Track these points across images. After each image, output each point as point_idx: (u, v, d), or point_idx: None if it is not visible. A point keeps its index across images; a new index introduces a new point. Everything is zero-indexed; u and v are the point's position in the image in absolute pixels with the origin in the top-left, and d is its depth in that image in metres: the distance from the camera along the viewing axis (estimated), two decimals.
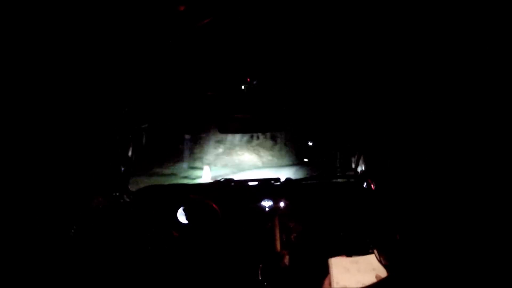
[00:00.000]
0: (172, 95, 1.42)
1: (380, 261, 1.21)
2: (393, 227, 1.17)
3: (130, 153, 1.48)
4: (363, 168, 1.44)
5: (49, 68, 0.87)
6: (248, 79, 1.28)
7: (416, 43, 0.98)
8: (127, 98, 1.30)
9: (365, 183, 1.37)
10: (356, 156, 1.65)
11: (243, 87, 1.29)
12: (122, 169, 1.45)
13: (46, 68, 0.86)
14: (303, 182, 1.88)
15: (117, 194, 1.42)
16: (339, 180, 1.86)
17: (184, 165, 6.89)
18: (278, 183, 1.79)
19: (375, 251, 1.24)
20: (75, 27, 0.83)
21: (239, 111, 1.64)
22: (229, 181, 1.84)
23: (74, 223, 1.07)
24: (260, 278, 1.38)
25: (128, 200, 1.48)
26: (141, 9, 0.83)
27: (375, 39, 1.02)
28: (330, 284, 1.21)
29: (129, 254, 1.36)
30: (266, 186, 1.78)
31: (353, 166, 1.55)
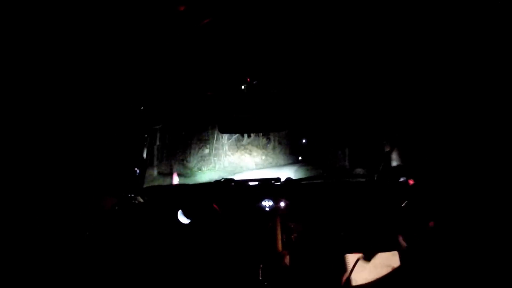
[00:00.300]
0: (175, 95, 1.42)
1: (403, 247, 1.22)
2: (428, 220, 1.17)
3: (144, 154, 1.49)
4: (396, 164, 1.44)
5: (62, 69, 0.87)
6: (248, 79, 1.28)
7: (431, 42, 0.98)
8: (138, 99, 1.31)
9: (401, 179, 1.37)
10: (379, 154, 1.65)
11: (243, 87, 1.29)
12: (137, 170, 1.45)
13: (59, 69, 0.86)
14: (304, 182, 1.88)
15: (132, 195, 1.42)
16: (348, 179, 1.87)
17: (154, 171, 6.02)
18: (279, 183, 1.79)
19: (400, 238, 1.25)
20: (78, 29, 0.83)
21: (239, 111, 1.63)
22: (229, 181, 1.84)
23: (87, 224, 1.07)
24: (260, 278, 1.38)
25: (142, 201, 1.47)
26: (142, 10, 0.83)
27: (376, 38, 1.02)
28: (348, 280, 1.24)
29: (130, 254, 1.36)
30: (267, 186, 1.78)
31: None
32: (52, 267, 0.87)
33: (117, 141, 1.28)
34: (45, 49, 0.82)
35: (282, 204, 1.56)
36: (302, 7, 0.92)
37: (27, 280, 0.80)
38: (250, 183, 1.79)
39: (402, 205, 1.37)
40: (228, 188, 1.78)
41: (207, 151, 7.80)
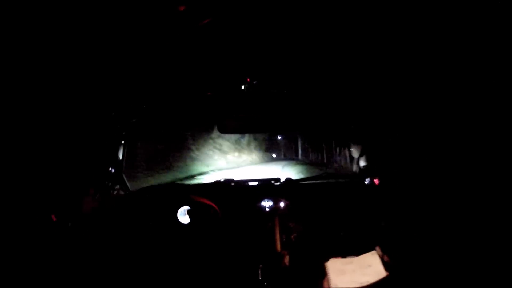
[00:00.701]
0: (172, 95, 1.42)
1: (381, 258, 1.21)
2: (397, 223, 1.17)
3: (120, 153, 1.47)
4: (364, 165, 1.44)
5: (47, 68, 0.86)
6: (248, 79, 1.28)
7: (416, 42, 0.98)
8: (138, 99, 1.31)
9: (367, 180, 1.37)
10: (356, 154, 1.64)
11: (243, 87, 1.29)
12: (120, 158, 1.44)
13: (43, 68, 0.86)
14: (303, 182, 1.88)
15: (110, 184, 1.40)
16: (340, 179, 1.86)
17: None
18: (278, 183, 1.79)
19: (377, 248, 1.24)
20: (75, 28, 0.83)
21: (239, 111, 1.63)
22: (229, 181, 1.84)
23: (69, 218, 1.07)
24: (260, 278, 1.38)
25: (123, 192, 1.46)
26: (142, 10, 0.83)
27: (376, 39, 1.02)
28: (328, 286, 1.22)
29: (129, 254, 1.36)
30: (266, 186, 1.78)
31: (353, 163, 1.55)
32: (47, 267, 0.87)
33: (107, 139, 1.27)
34: (43, 49, 0.82)
35: (281, 204, 1.56)
36: (302, 7, 0.92)
37: (27, 280, 0.80)
38: (250, 183, 1.79)
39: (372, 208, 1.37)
40: (228, 188, 1.78)
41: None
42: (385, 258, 1.21)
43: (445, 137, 0.99)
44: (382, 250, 1.21)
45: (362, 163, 1.44)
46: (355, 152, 1.56)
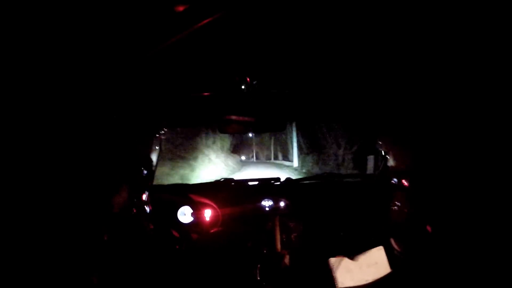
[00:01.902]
0: (175, 95, 1.42)
1: (396, 250, 1.21)
2: (424, 220, 1.16)
3: (153, 154, 1.50)
4: (390, 165, 1.43)
5: (60, 68, 0.87)
6: (248, 79, 1.28)
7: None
8: (139, 100, 1.31)
9: (394, 180, 1.36)
10: (376, 155, 1.65)
11: (243, 87, 1.29)
12: (145, 172, 1.45)
13: (55, 69, 0.86)
14: (303, 182, 1.89)
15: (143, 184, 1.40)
16: (347, 179, 1.87)
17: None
18: (278, 183, 1.79)
19: (392, 240, 1.24)
20: (77, 28, 0.83)
21: (239, 112, 1.63)
22: (229, 181, 1.84)
23: (97, 224, 1.07)
24: (258, 278, 1.38)
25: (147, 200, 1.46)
26: (140, 9, 0.83)
27: (379, 38, 1.02)
28: (335, 285, 1.22)
29: (129, 254, 1.37)
30: (266, 186, 1.78)
31: (370, 165, 1.54)
32: (56, 266, 0.87)
33: (125, 141, 1.28)
34: (41, 48, 0.82)
35: (281, 204, 1.56)
36: (302, 7, 0.92)
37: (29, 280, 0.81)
38: (250, 183, 1.80)
39: (393, 207, 1.36)
40: (228, 188, 1.78)
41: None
42: (401, 250, 1.21)
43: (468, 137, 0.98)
44: (397, 242, 1.21)
45: (390, 162, 1.43)
46: (379, 151, 1.54)
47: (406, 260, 1.21)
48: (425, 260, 1.11)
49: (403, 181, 1.31)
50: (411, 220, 1.23)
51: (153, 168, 1.53)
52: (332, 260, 1.27)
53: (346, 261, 1.26)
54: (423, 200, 1.19)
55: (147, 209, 1.39)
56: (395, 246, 1.26)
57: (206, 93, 1.42)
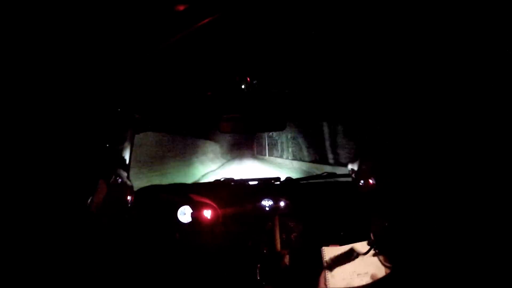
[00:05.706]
0: (175, 95, 1.42)
1: (378, 258, 1.22)
2: (391, 223, 1.18)
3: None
4: (360, 166, 1.44)
5: (47, 68, 0.86)
6: (248, 79, 1.28)
7: (411, 43, 0.98)
8: (139, 100, 1.31)
9: (362, 181, 1.37)
10: (352, 154, 1.65)
11: (243, 87, 1.29)
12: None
13: (45, 68, 0.86)
14: (303, 181, 1.89)
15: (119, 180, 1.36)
16: (340, 179, 1.86)
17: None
18: (278, 183, 1.79)
19: (373, 249, 1.25)
20: (77, 28, 0.83)
21: (239, 111, 1.64)
22: (229, 180, 1.84)
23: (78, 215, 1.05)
24: (258, 278, 1.39)
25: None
26: (140, 9, 0.83)
27: (376, 39, 1.02)
28: (324, 275, 1.24)
29: (129, 253, 1.37)
30: (266, 186, 1.78)
31: (350, 164, 1.54)
32: (53, 266, 0.87)
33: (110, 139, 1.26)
34: (40, 48, 0.82)
35: (281, 203, 1.56)
36: (301, 7, 0.92)
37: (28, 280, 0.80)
38: (250, 183, 1.80)
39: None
40: (228, 188, 1.78)
41: None
42: (382, 259, 1.22)
43: (443, 137, 0.99)
44: (376, 249, 1.23)
45: (356, 164, 1.44)
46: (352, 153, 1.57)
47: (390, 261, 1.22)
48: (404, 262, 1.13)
49: (369, 180, 1.33)
50: (378, 220, 1.26)
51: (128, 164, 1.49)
52: (324, 249, 1.30)
53: (336, 250, 1.28)
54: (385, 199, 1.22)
55: (131, 207, 1.34)
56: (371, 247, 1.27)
57: (206, 93, 1.42)
